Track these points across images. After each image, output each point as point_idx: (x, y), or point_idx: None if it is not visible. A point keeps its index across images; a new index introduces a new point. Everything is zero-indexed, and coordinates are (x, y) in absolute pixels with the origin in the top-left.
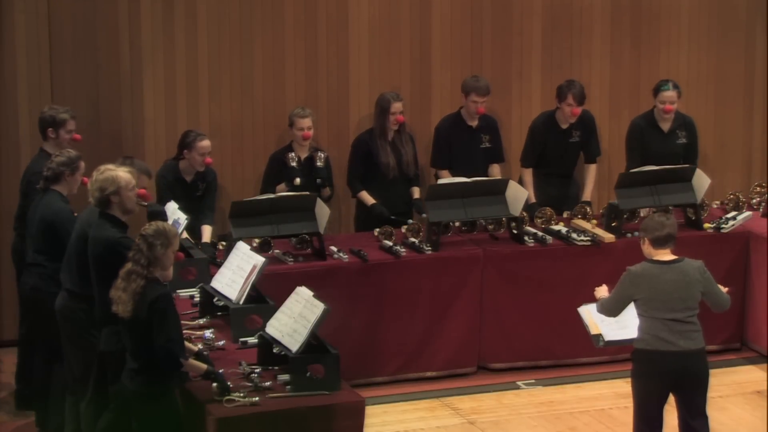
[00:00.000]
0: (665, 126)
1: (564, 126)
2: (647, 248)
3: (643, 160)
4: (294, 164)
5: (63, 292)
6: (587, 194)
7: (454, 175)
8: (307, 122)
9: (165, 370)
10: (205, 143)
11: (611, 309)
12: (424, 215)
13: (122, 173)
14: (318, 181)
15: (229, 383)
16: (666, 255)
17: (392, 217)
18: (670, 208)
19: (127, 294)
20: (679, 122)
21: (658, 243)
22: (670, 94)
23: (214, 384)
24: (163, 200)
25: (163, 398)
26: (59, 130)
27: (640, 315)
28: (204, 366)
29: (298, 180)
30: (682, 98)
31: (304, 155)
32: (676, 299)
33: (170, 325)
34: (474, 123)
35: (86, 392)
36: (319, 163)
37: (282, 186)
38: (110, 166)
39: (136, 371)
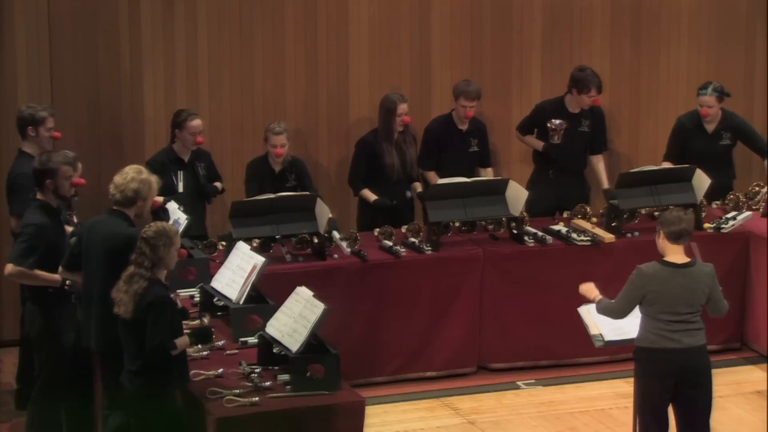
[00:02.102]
0: (710, 127)
1: (574, 111)
2: (662, 242)
3: (684, 159)
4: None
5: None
6: (605, 182)
7: (441, 177)
8: (280, 139)
9: (160, 368)
10: (197, 122)
11: (620, 311)
12: (407, 194)
13: (155, 181)
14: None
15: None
16: (679, 255)
17: (394, 202)
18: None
19: (128, 296)
20: (726, 124)
21: (674, 237)
22: (706, 98)
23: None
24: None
25: (163, 399)
26: (39, 128)
27: (643, 314)
28: (186, 339)
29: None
30: (682, 96)
31: (278, 168)
32: (682, 304)
33: (160, 330)
34: (464, 126)
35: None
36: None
37: None
38: (143, 168)
39: (135, 373)
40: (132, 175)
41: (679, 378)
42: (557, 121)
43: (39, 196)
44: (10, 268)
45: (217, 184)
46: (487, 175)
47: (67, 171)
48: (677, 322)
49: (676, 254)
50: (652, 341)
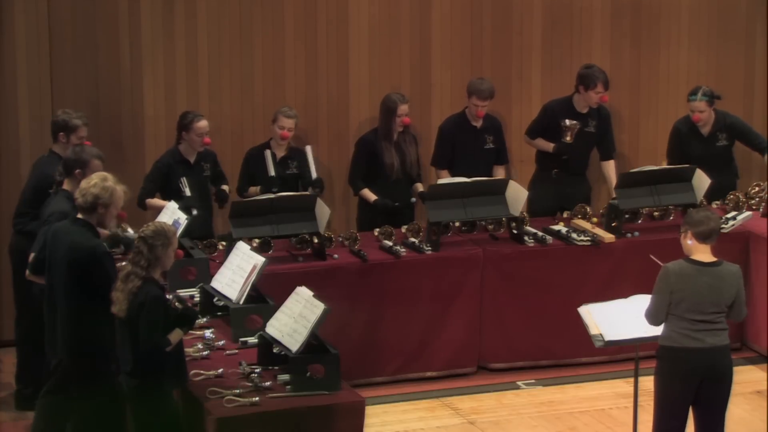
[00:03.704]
0: (705, 130)
1: (582, 111)
2: (690, 242)
3: (684, 164)
4: (272, 172)
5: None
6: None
7: (455, 175)
8: (289, 122)
9: (155, 368)
10: (203, 123)
11: (654, 314)
12: (413, 200)
13: (120, 191)
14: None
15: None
16: (706, 253)
17: (396, 204)
18: (706, 204)
19: (123, 294)
20: (720, 125)
21: (703, 237)
22: (697, 104)
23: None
24: (157, 186)
25: (160, 399)
26: (70, 136)
27: (669, 312)
28: (179, 331)
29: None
30: (682, 97)
31: (281, 154)
32: (708, 303)
33: (153, 330)
34: (478, 124)
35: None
36: (296, 171)
37: (256, 189)
38: (109, 176)
39: (130, 374)
40: (95, 180)
41: (703, 378)
42: (571, 121)
43: (66, 185)
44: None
45: (225, 188)
46: (498, 174)
47: (98, 166)
48: (702, 322)
49: (703, 253)
50: (675, 340)
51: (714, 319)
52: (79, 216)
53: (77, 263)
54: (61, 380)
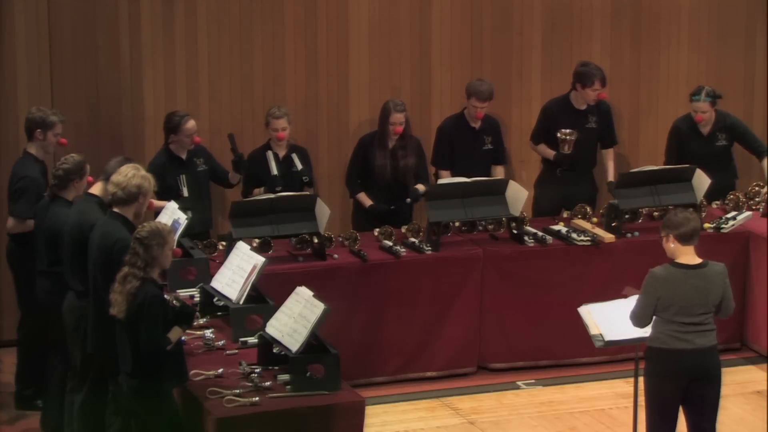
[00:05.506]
0: (705, 129)
1: (581, 108)
2: (673, 245)
3: (683, 162)
4: (275, 171)
5: (71, 293)
6: (611, 174)
7: (455, 175)
8: (281, 123)
9: (156, 368)
10: (191, 124)
11: (638, 317)
12: (408, 200)
13: (152, 180)
14: (305, 179)
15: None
16: (691, 255)
17: (392, 207)
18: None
19: (122, 296)
20: (720, 125)
21: (685, 239)
22: (700, 104)
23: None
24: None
25: (160, 399)
26: (47, 132)
27: (656, 315)
28: (178, 329)
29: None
30: (682, 96)
31: (282, 153)
32: (696, 305)
33: (154, 330)
34: (477, 124)
35: (82, 389)
36: (300, 167)
37: (260, 190)
38: (138, 166)
39: (130, 374)
40: (133, 172)
41: (691, 377)
42: (567, 131)
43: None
44: None
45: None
46: (497, 173)
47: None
48: (690, 324)
49: (687, 255)
50: (663, 342)
51: (702, 320)
52: (115, 210)
53: (105, 252)
54: (95, 377)
